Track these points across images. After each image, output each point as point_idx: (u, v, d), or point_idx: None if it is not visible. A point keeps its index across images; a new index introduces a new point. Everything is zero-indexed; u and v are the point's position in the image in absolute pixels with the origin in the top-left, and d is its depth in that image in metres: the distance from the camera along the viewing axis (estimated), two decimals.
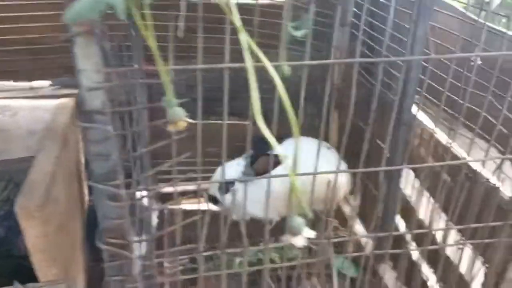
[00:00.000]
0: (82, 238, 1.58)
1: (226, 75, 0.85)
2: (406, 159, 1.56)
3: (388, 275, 1.77)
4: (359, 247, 1.94)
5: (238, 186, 1.93)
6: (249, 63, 0.70)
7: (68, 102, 1.67)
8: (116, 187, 0.76)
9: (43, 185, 1.23)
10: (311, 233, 0.68)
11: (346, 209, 2.14)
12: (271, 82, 0.79)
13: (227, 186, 1.93)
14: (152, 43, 0.69)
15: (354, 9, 1.90)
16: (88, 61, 0.69)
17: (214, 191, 2.00)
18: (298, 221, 0.69)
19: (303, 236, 0.68)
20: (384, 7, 1.71)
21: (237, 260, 1.83)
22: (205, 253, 1.09)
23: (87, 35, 0.67)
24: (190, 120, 0.81)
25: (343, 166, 1.74)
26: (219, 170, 1.93)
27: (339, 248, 1.90)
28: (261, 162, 1.90)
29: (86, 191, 1.78)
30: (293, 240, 0.67)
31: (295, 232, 0.68)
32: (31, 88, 1.87)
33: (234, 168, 1.95)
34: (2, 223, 1.63)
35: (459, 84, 1.26)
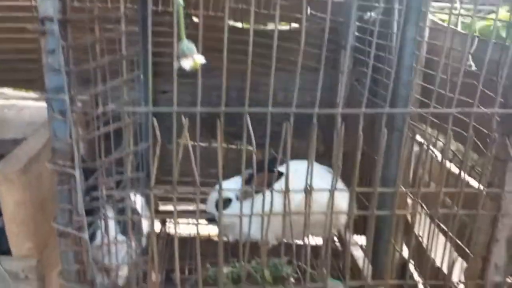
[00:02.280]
0: None
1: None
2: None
3: None
4: (357, 269, 1.85)
5: (235, 205, 1.91)
6: None
7: None
8: (64, 102, 0.78)
9: (25, 157, 1.26)
10: (201, 58, 0.67)
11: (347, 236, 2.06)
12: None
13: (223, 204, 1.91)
14: None
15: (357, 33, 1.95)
16: None
17: (211, 209, 1.98)
18: (188, 44, 0.68)
19: (193, 59, 0.67)
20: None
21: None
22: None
23: None
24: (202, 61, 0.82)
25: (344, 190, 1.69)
26: (216, 188, 1.92)
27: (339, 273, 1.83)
28: (258, 179, 1.89)
29: None
30: (182, 63, 0.66)
31: (185, 55, 0.67)
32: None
33: (232, 186, 1.93)
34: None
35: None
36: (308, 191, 1.00)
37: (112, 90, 0.88)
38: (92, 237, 0.97)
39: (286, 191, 1.07)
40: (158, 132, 0.86)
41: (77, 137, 0.80)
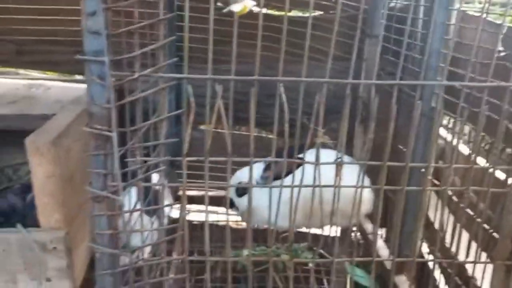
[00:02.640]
0: None
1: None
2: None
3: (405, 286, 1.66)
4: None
5: (254, 190, 1.91)
6: None
7: None
8: (103, 65, 0.79)
9: (56, 131, 1.28)
10: (251, 3, 0.67)
11: (368, 227, 2.06)
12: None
13: (242, 189, 1.92)
14: None
15: (382, 20, 1.93)
16: None
17: (231, 194, 1.98)
18: None
19: (243, 3, 0.67)
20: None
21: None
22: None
23: None
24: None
25: (366, 181, 1.68)
26: (237, 173, 1.93)
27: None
28: (279, 165, 1.89)
29: None
30: (232, 6, 0.66)
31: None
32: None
33: (253, 171, 1.94)
34: (20, 195, 1.66)
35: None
36: (339, 165, 0.98)
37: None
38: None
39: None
40: (192, 99, 0.86)
41: (115, 101, 0.81)
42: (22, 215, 1.63)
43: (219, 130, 0.94)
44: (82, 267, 1.42)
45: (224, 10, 0.75)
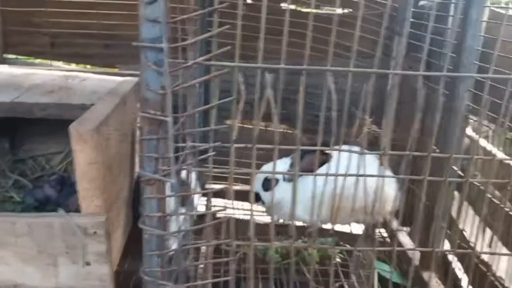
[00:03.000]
0: (129, 199, 1.61)
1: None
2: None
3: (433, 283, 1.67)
4: (405, 256, 1.86)
5: (282, 185, 1.93)
6: None
7: (132, 79, 1.79)
8: (159, 52, 0.81)
9: (97, 120, 1.31)
10: None
11: (394, 224, 2.07)
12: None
13: (268, 183, 1.94)
14: None
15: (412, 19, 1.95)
16: None
17: (258, 188, 2.00)
18: None
19: None
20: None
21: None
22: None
23: None
24: None
25: (392, 180, 1.69)
26: (264, 167, 1.95)
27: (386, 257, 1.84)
28: (307, 160, 1.90)
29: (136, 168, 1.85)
30: None
31: None
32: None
33: (280, 166, 1.96)
34: (55, 186, 1.70)
35: None
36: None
37: None
38: None
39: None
40: (242, 87, 0.89)
41: (170, 87, 0.83)
42: (57, 204, 1.68)
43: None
44: (117, 254, 1.46)
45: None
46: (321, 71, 0.90)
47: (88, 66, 2.19)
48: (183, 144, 0.89)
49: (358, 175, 1.07)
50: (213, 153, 0.92)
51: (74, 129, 1.23)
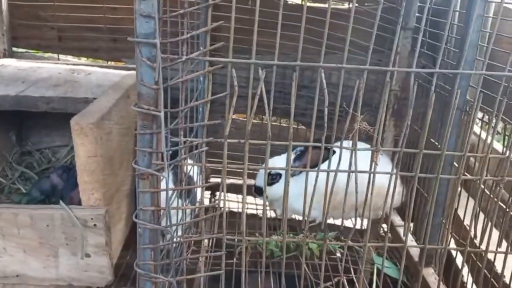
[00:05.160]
0: (131, 192, 1.62)
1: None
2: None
3: (432, 278, 1.67)
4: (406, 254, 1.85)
5: (284, 180, 1.94)
6: None
7: None
8: (153, 47, 0.82)
9: (98, 113, 1.33)
10: None
11: (395, 220, 2.07)
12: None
13: (271, 178, 1.95)
14: None
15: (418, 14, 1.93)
16: None
17: (260, 182, 2.01)
18: None
19: None
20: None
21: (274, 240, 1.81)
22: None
23: None
24: None
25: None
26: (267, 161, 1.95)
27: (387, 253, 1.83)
28: (310, 155, 1.91)
29: None
30: None
31: None
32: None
33: (283, 161, 1.96)
34: (62, 175, 1.72)
35: None
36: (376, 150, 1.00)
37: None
38: None
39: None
40: (235, 83, 0.89)
41: (163, 82, 0.84)
42: (61, 196, 1.70)
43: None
44: (117, 246, 1.48)
45: None
46: (314, 67, 0.90)
47: (99, 61, 2.22)
48: (176, 139, 0.90)
49: (350, 172, 1.06)
50: (206, 148, 0.93)
51: (75, 122, 1.25)
